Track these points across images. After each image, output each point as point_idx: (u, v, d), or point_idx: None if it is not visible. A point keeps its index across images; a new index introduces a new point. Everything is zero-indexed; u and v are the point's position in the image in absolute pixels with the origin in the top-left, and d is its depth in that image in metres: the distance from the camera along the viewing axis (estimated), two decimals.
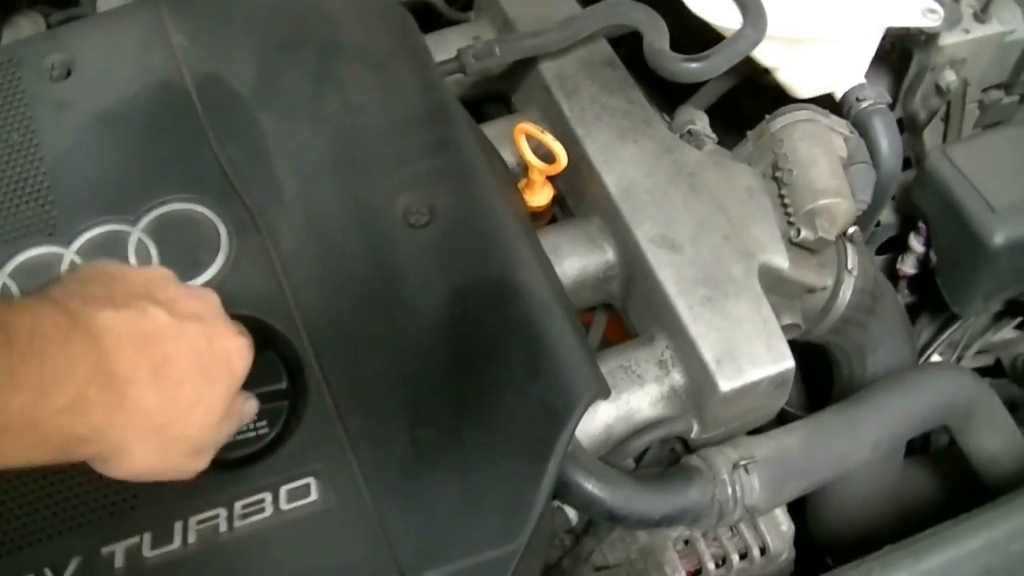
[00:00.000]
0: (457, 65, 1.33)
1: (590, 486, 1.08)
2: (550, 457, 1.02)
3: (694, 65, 1.27)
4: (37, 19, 1.57)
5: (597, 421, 1.17)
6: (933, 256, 1.48)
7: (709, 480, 1.14)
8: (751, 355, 1.15)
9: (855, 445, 1.22)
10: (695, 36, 1.33)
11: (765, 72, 1.43)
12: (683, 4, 1.32)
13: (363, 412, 1.06)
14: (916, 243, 1.51)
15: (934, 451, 1.60)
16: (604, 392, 1.10)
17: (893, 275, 1.56)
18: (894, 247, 1.59)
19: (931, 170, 1.42)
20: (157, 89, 1.27)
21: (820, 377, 1.52)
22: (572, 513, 1.18)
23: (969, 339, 1.61)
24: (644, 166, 1.27)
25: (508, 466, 1.02)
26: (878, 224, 1.57)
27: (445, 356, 1.08)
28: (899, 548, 1.10)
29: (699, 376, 1.16)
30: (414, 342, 1.09)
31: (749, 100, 1.57)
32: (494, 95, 1.50)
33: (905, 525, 1.19)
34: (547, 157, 1.26)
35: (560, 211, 1.38)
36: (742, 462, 1.14)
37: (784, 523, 1.26)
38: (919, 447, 1.61)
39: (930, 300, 1.57)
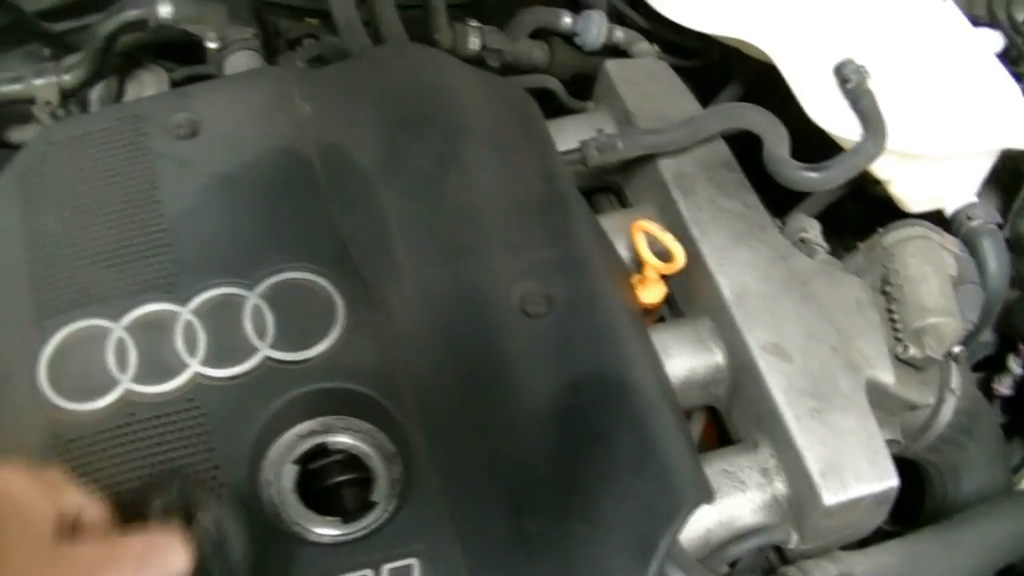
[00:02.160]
0: (579, 156, 1.35)
1: None
2: (652, 557, 1.03)
3: (813, 175, 1.29)
4: (160, 73, 1.61)
5: (697, 524, 1.16)
6: None
7: None
8: (856, 470, 1.14)
9: (951, 570, 1.21)
10: (807, 140, 1.34)
11: (876, 182, 1.44)
12: (799, 108, 1.34)
13: (469, 497, 1.07)
14: (1015, 365, 1.51)
15: None
16: (708, 497, 1.10)
17: (987, 393, 1.55)
18: (989, 365, 1.58)
19: None
20: (280, 156, 1.29)
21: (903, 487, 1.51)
22: None
23: None
24: (758, 271, 1.27)
25: (610, 563, 1.03)
26: None
27: (553, 447, 1.09)
28: None
29: (803, 487, 1.16)
30: (523, 430, 1.10)
31: (855, 206, 1.58)
32: (605, 186, 1.52)
33: None
34: (662, 255, 1.27)
35: (667, 309, 1.38)
36: None
37: None
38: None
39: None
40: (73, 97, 1.56)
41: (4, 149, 1.56)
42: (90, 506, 0.86)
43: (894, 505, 1.49)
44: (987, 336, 1.57)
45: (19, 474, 0.83)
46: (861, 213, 1.50)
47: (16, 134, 1.58)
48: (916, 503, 1.49)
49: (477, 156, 1.29)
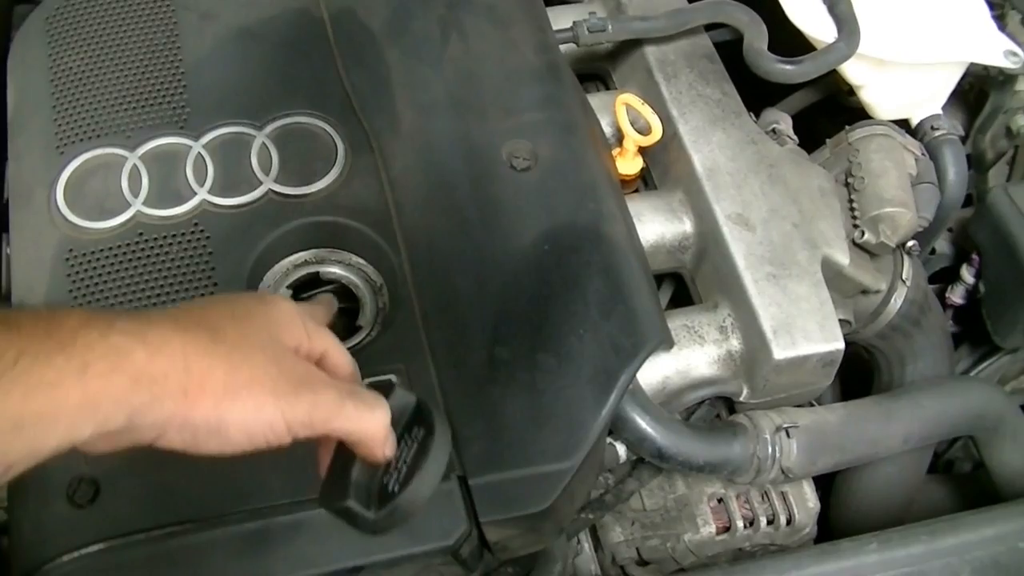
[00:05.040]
0: (571, 35, 1.43)
1: (644, 423, 1.18)
2: (612, 389, 1.12)
3: (788, 67, 1.38)
4: None
5: (657, 371, 1.26)
6: (982, 287, 1.56)
7: (752, 438, 1.23)
8: (806, 331, 1.24)
9: (887, 433, 1.31)
10: (787, 46, 1.43)
11: (849, 92, 1.52)
12: (781, 14, 1.43)
13: (447, 326, 1.16)
14: (967, 274, 1.59)
15: (955, 475, 1.67)
16: (668, 342, 1.19)
17: (942, 304, 1.63)
18: (945, 278, 1.67)
19: (991, 204, 1.49)
20: (294, 14, 1.40)
21: (855, 388, 1.60)
22: (622, 451, 1.26)
23: (1003, 377, 1.68)
24: (729, 151, 1.36)
25: (574, 392, 1.12)
26: (932, 252, 1.65)
27: (529, 287, 1.18)
28: (918, 525, 1.18)
29: (755, 343, 1.25)
30: (502, 271, 1.19)
31: (826, 121, 1.66)
32: (593, 73, 1.60)
33: None
34: (643, 130, 1.36)
35: (643, 185, 1.47)
36: (785, 426, 1.23)
37: (811, 500, 1.34)
38: (942, 470, 1.69)
39: (973, 332, 1.64)
40: None
41: (28, 5, 1.61)
42: (338, 353, 0.89)
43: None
44: (944, 248, 1.67)
45: (288, 303, 0.88)
46: (834, 129, 1.57)
47: None
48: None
49: (477, 25, 1.38)
